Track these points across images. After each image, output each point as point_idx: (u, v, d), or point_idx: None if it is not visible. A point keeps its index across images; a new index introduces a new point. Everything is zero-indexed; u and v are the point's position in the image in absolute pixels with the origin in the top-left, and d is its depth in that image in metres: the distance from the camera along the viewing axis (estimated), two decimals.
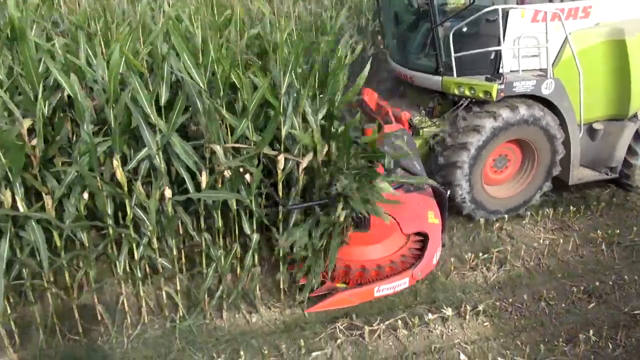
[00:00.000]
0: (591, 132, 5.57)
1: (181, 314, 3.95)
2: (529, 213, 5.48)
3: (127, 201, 3.53)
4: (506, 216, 5.41)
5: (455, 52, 5.00)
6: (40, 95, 3.16)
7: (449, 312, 4.06)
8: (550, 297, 4.31)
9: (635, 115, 5.47)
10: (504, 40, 4.89)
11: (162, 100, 3.42)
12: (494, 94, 4.81)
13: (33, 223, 3.20)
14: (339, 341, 3.84)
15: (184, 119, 3.52)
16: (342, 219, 3.79)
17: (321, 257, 3.93)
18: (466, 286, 4.50)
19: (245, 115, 3.53)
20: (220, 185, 3.66)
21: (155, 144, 3.45)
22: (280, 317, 4.12)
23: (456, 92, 5.09)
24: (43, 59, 3.29)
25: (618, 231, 5.08)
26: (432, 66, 5.38)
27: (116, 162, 3.39)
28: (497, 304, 4.25)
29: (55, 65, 3.13)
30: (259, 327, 4.01)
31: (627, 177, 5.74)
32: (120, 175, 3.41)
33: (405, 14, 6.01)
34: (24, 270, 3.50)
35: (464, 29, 4.99)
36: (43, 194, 3.31)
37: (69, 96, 3.37)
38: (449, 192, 4.67)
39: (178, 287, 3.95)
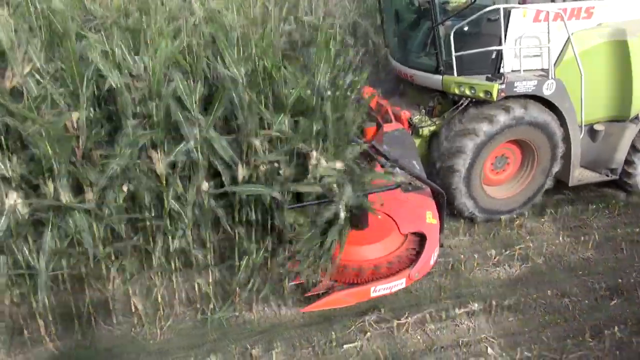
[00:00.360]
0: (592, 133, 5.58)
1: (213, 306, 4.01)
2: (548, 211, 5.55)
3: (164, 194, 3.58)
4: (526, 213, 5.48)
5: (456, 51, 4.98)
6: (84, 88, 3.21)
7: (475, 307, 4.13)
8: (574, 294, 4.39)
9: (636, 117, 5.47)
10: (505, 39, 4.87)
11: (198, 94, 3.47)
12: (495, 94, 4.80)
13: (78, 214, 3.24)
14: (368, 334, 3.90)
15: (222, 113, 3.57)
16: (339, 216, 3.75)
17: (319, 255, 3.89)
18: (490, 282, 4.57)
19: (283, 110, 3.58)
20: (255, 179, 3.71)
21: (194, 137, 3.50)
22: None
23: (456, 91, 5.07)
24: (88, 52, 3.32)
25: (638, 230, 5.15)
26: (432, 65, 5.36)
27: (157, 155, 3.44)
28: (522, 299, 4.31)
29: (99, 59, 3.16)
30: (288, 320, 4.07)
31: (628, 176, 5.73)
32: (160, 168, 3.46)
33: (406, 13, 5.99)
34: (62, 261, 3.56)
35: (465, 28, 4.97)
36: (84, 186, 3.36)
37: (107, 90, 3.43)
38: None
39: (210, 280, 4.01)
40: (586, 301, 4.33)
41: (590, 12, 5.19)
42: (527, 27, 4.97)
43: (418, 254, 4.14)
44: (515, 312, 4.20)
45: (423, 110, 5.57)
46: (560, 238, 5.18)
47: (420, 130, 5.37)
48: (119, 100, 3.23)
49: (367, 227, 4.17)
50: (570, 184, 5.55)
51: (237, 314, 4.08)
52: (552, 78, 5.03)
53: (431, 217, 4.35)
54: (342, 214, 3.66)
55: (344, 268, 4.03)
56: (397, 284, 3.99)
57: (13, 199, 3.19)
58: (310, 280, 3.97)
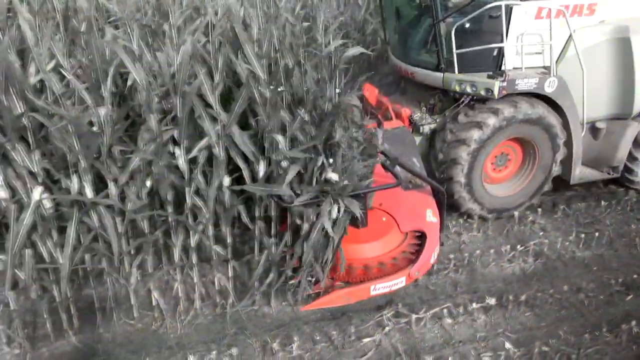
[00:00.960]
0: (594, 131, 5.53)
1: (231, 301, 4.04)
2: (561, 207, 5.57)
3: (186, 189, 3.61)
4: (539, 210, 5.50)
5: (457, 49, 4.93)
6: (108, 84, 3.24)
7: (492, 302, 4.16)
8: (589, 289, 4.41)
9: (639, 115, 5.43)
10: (507, 36, 4.80)
11: (218, 91, 3.50)
12: (496, 92, 4.77)
13: (102, 209, 3.28)
14: (386, 329, 3.93)
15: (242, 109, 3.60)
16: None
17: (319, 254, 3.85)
18: (505, 277, 4.60)
19: (303, 106, 3.60)
20: (277, 176, 3.74)
21: (216, 133, 3.53)
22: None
23: (457, 89, 5.04)
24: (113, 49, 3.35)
25: None
26: (433, 62, 5.32)
27: (179, 151, 3.47)
28: (538, 294, 4.33)
29: (125, 54, 3.19)
30: (306, 315, 4.10)
31: (630, 173, 5.69)
32: (182, 163, 3.49)
33: (406, 9, 5.92)
34: (85, 256, 3.60)
35: (467, 25, 4.93)
36: (108, 181, 3.39)
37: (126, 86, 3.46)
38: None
39: (230, 274, 4.04)
40: (601, 296, 4.35)
41: (592, 9, 5.12)
42: (528, 24, 4.91)
43: (418, 252, 4.14)
44: (531, 307, 4.22)
45: (424, 108, 5.55)
46: (573, 234, 5.19)
47: (421, 127, 5.33)
48: (141, 96, 3.25)
49: (366, 226, 4.12)
50: (571, 182, 5.52)
51: (255, 307, 4.12)
52: (553, 75, 4.98)
53: (431, 215, 4.34)
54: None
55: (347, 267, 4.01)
56: (397, 282, 4.00)
57: (38, 193, 3.22)
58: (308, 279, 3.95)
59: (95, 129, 3.24)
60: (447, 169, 5.06)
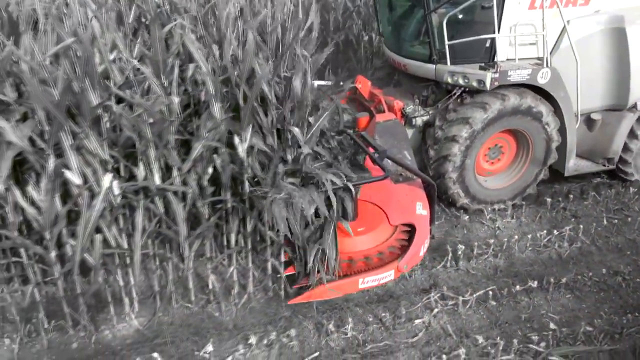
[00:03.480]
0: (589, 122, 5.50)
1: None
2: (591, 194, 5.69)
3: (245, 176, 3.73)
4: (570, 196, 5.62)
5: (449, 40, 4.86)
6: (176, 74, 3.34)
7: (534, 284, 4.29)
8: (626, 273, 4.54)
9: (634, 106, 5.36)
10: (500, 27, 4.73)
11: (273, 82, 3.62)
12: (488, 83, 4.71)
13: (170, 195, 3.39)
14: (435, 310, 4.06)
15: None
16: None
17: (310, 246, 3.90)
18: (543, 261, 4.74)
19: None
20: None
21: (270, 122, 3.65)
22: (371, 289, 4.35)
23: (449, 80, 4.99)
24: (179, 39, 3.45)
25: None
26: (425, 54, 5.26)
27: (238, 139, 3.59)
28: (578, 277, 4.47)
29: (192, 45, 3.29)
30: (355, 298, 4.22)
31: (625, 164, 5.65)
32: (242, 151, 3.60)
33: (399, 1, 5.85)
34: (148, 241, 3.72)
35: (459, 16, 4.89)
36: (174, 169, 3.51)
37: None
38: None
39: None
40: (638, 279, 4.49)
41: None
42: (522, 14, 4.85)
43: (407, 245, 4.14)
44: (571, 289, 4.36)
45: (417, 100, 5.50)
46: (605, 220, 5.32)
47: (414, 120, 5.26)
48: (207, 85, 3.36)
49: (356, 219, 4.13)
50: (565, 174, 5.48)
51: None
52: (547, 66, 4.92)
53: (421, 208, 4.33)
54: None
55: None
56: (386, 275, 4.00)
57: (109, 180, 3.34)
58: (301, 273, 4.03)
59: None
60: (439, 166, 5.04)
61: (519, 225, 5.31)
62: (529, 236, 4.95)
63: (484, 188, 5.33)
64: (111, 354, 3.62)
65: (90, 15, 3.45)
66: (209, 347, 3.60)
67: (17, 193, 3.24)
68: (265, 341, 3.71)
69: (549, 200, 5.51)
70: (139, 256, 3.45)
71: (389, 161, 4.33)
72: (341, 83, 5.90)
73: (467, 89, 4.98)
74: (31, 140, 3.21)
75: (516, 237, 4.93)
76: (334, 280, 3.96)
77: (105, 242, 3.51)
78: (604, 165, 5.60)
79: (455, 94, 5.05)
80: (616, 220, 5.29)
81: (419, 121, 5.29)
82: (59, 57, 3.17)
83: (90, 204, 3.30)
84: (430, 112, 5.29)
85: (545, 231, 5.00)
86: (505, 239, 4.93)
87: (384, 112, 5.28)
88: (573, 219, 5.39)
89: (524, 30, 4.96)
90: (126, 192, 3.49)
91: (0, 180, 3.14)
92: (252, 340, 3.66)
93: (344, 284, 3.96)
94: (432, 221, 4.43)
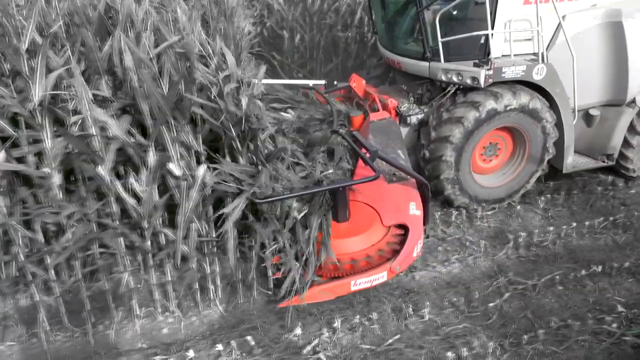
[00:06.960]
0: (587, 118, 5.43)
1: None
2: (638, 182, 5.81)
3: None
4: (619, 184, 5.73)
5: (442, 37, 4.81)
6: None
7: (598, 269, 4.42)
8: None
9: (633, 101, 5.30)
10: (494, 23, 4.68)
11: None
12: (482, 80, 4.66)
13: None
14: (505, 295, 4.20)
15: None
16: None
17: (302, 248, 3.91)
18: (600, 248, 4.86)
19: None
20: None
21: None
22: (439, 275, 4.49)
23: (443, 78, 4.93)
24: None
25: None
26: (419, 51, 5.21)
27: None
28: (639, 262, 4.60)
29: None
30: (426, 284, 4.37)
31: (625, 160, 5.60)
32: None
33: None
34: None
35: (452, 12, 4.84)
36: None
37: None
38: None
39: None
40: None
41: None
42: (516, 9, 4.79)
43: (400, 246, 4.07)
44: (633, 274, 4.48)
45: (412, 98, 5.44)
46: None
47: (408, 118, 5.21)
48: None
49: (348, 220, 4.14)
50: (564, 171, 5.42)
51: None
52: (542, 62, 4.85)
53: (415, 209, 4.26)
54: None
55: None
56: (378, 277, 3.94)
57: (203, 170, 3.49)
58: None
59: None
60: (433, 166, 4.99)
61: (571, 213, 5.44)
62: (586, 223, 5.07)
63: (481, 186, 5.25)
64: (202, 338, 3.77)
65: (180, 14, 3.59)
66: (298, 330, 3.74)
67: (118, 184, 3.39)
68: (347, 325, 3.85)
69: (599, 189, 5.63)
70: (234, 244, 3.58)
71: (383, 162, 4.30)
72: (335, 82, 5.97)
73: (461, 87, 4.94)
74: (130, 134, 3.37)
75: (574, 224, 5.06)
76: (327, 282, 3.91)
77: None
78: (603, 162, 5.54)
79: (449, 91, 4.99)
80: None
81: (413, 119, 5.24)
82: (160, 56, 3.32)
83: (188, 195, 3.45)
84: (425, 110, 5.24)
85: (601, 218, 5.12)
86: (564, 227, 5.05)
87: (378, 110, 5.25)
88: (622, 207, 5.52)
89: (519, 26, 4.89)
90: (217, 183, 3.63)
91: (106, 172, 3.29)
92: (337, 324, 3.80)
93: (336, 286, 3.90)
94: (426, 221, 4.38)
